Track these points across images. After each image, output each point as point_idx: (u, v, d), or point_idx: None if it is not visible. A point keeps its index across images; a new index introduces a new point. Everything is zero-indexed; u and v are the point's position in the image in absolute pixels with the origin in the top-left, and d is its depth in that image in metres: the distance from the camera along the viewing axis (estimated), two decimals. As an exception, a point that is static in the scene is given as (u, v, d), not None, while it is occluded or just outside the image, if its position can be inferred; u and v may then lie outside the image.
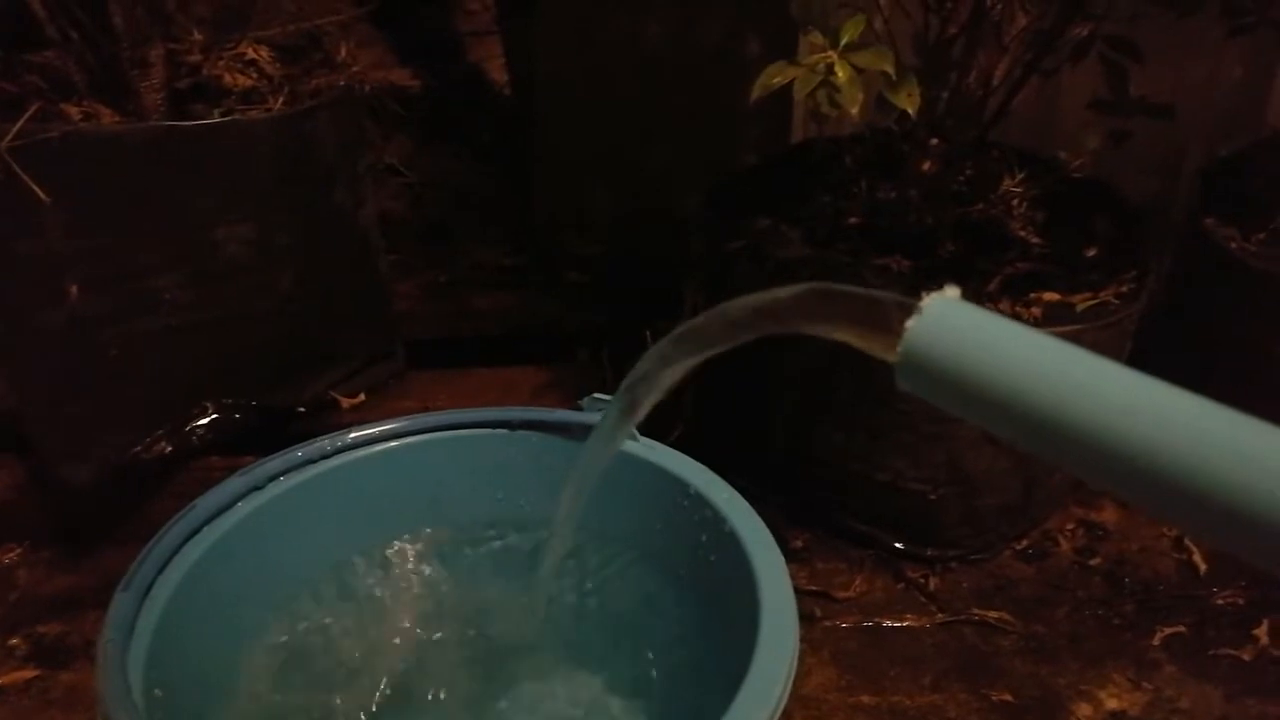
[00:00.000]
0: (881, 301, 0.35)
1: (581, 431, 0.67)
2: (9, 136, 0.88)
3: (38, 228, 0.93)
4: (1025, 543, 1.05)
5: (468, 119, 1.90)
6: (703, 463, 0.65)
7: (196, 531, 0.61)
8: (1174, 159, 1.29)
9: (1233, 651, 0.92)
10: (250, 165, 1.04)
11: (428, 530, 0.70)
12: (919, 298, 0.34)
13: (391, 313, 1.29)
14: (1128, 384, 0.30)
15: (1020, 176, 1.09)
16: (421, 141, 1.85)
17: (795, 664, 0.50)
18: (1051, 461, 0.31)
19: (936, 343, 0.33)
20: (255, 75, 1.17)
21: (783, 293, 0.38)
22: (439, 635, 0.65)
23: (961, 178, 1.08)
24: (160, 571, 0.56)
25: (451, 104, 1.92)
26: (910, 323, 0.34)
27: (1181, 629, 0.95)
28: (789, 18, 0.89)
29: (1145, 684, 0.89)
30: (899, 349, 0.34)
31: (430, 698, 0.63)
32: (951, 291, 0.34)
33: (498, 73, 1.98)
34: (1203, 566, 1.01)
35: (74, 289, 0.96)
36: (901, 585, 0.99)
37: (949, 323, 0.33)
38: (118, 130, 0.98)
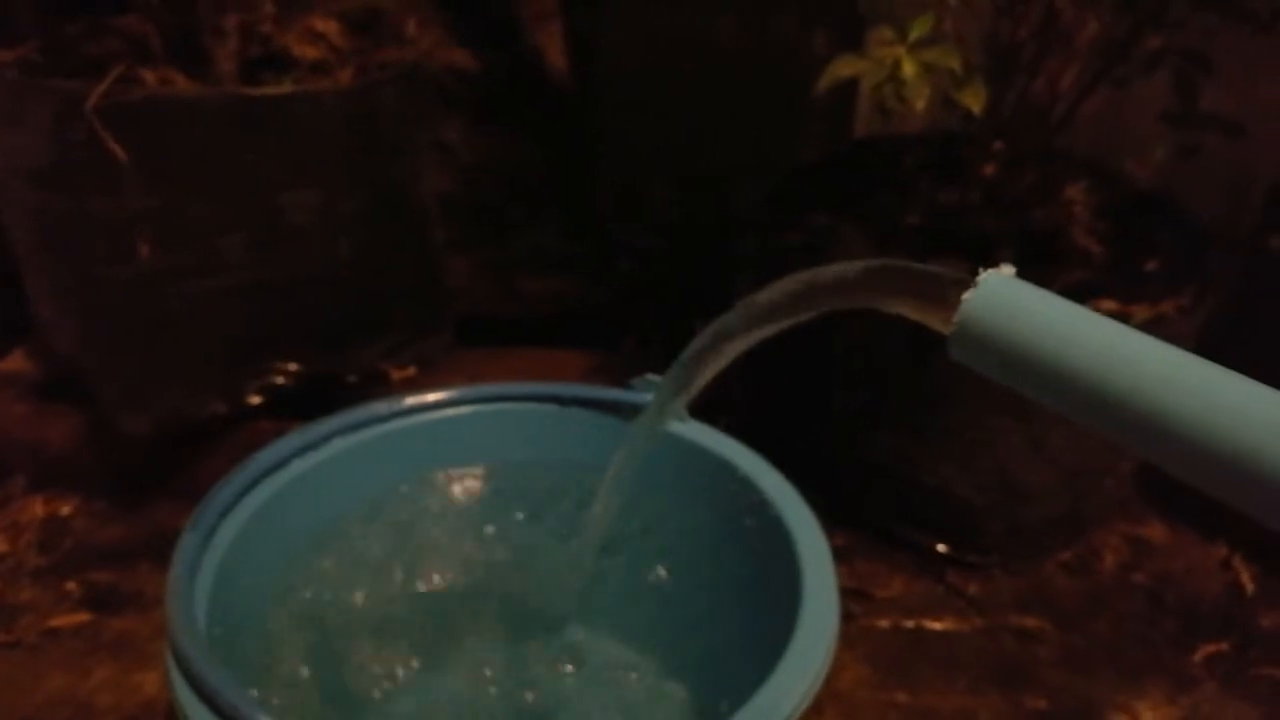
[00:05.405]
0: (940, 276, 0.37)
1: (631, 411, 0.68)
2: (94, 97, 0.91)
3: (114, 186, 0.96)
4: (1069, 555, 1.04)
5: (526, 102, 1.91)
6: (748, 454, 0.66)
7: (255, 484, 0.62)
8: (1243, 177, 1.27)
9: (1276, 672, 0.91)
10: (317, 135, 1.06)
11: (476, 491, 0.72)
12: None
13: (443, 287, 1.31)
14: (1167, 358, 0.32)
15: (1084, 185, 1.08)
16: (478, 122, 1.86)
17: (835, 641, 0.51)
18: (1095, 429, 0.33)
19: (989, 314, 0.35)
20: (324, 47, 1.19)
21: (847, 267, 0.39)
22: (479, 591, 0.66)
23: (1024, 183, 1.07)
24: (222, 517, 0.58)
25: (510, 86, 1.93)
26: (966, 296, 0.36)
27: (1224, 647, 0.93)
28: (854, 15, 0.90)
29: (1183, 699, 0.88)
30: (954, 320, 0.36)
31: (467, 649, 0.64)
32: (1007, 269, 0.37)
33: (557, 57, 1.99)
34: (1250, 587, 1.00)
35: (144, 246, 0.98)
36: (942, 589, 0.99)
37: (1002, 296, 0.36)
38: (194, 95, 1.01)
